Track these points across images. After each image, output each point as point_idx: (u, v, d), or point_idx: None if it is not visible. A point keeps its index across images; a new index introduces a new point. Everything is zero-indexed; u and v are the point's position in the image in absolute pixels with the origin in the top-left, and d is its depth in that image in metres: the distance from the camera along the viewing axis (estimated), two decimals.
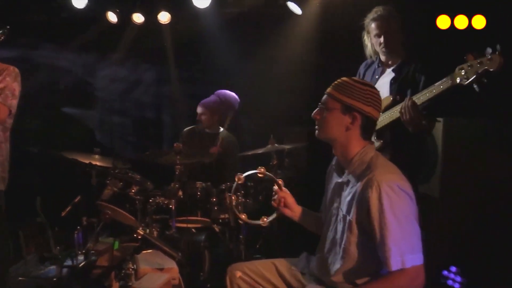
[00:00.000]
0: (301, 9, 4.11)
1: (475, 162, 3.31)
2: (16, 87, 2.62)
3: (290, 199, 2.18)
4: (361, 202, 1.79)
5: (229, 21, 4.52)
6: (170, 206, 3.22)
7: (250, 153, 3.64)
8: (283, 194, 2.17)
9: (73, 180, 3.71)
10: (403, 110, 2.48)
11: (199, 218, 3.39)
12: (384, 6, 2.79)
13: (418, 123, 2.51)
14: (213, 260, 3.19)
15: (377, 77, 2.89)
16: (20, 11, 4.51)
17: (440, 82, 2.38)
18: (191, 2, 4.19)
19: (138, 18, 4.44)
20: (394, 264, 1.70)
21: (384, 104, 2.70)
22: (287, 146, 3.68)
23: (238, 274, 2.10)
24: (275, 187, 2.18)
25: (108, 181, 3.33)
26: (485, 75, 2.22)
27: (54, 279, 3.00)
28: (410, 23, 3.18)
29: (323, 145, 2.02)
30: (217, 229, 3.40)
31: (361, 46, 2.99)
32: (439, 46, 3.38)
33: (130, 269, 2.42)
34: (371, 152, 1.90)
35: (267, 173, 2.17)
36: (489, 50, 2.21)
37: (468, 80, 2.25)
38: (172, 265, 2.59)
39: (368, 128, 1.92)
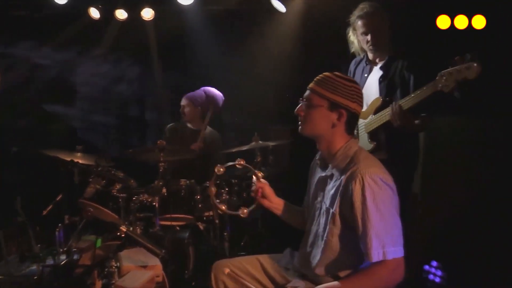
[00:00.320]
0: (285, 7, 4.11)
1: (455, 159, 3.37)
2: None
3: (268, 190, 2.18)
4: (345, 195, 1.81)
5: (213, 18, 4.51)
6: (154, 204, 3.20)
7: (234, 150, 3.64)
8: (261, 184, 2.18)
9: (55, 178, 3.65)
10: (393, 118, 2.49)
11: (183, 216, 3.37)
12: (371, 3, 2.75)
13: (411, 125, 2.53)
14: (198, 257, 3.19)
15: (366, 75, 2.87)
16: (1, 6, 4.43)
17: (426, 87, 2.39)
18: None
19: (121, 14, 4.38)
20: (375, 255, 1.72)
21: (375, 105, 2.71)
22: (271, 143, 3.68)
23: (227, 270, 2.11)
24: (254, 178, 2.19)
25: (90, 179, 3.29)
26: (464, 84, 2.24)
27: (35, 277, 2.95)
28: (410, 23, 3.21)
29: (307, 142, 2.03)
30: (201, 227, 3.40)
31: (345, 43, 2.98)
32: (439, 46, 3.38)
33: (113, 267, 2.39)
34: (354, 147, 1.92)
35: (246, 164, 2.20)
36: (468, 56, 2.22)
37: (448, 88, 2.27)
38: (155, 262, 2.58)
39: (352, 123, 1.94)
